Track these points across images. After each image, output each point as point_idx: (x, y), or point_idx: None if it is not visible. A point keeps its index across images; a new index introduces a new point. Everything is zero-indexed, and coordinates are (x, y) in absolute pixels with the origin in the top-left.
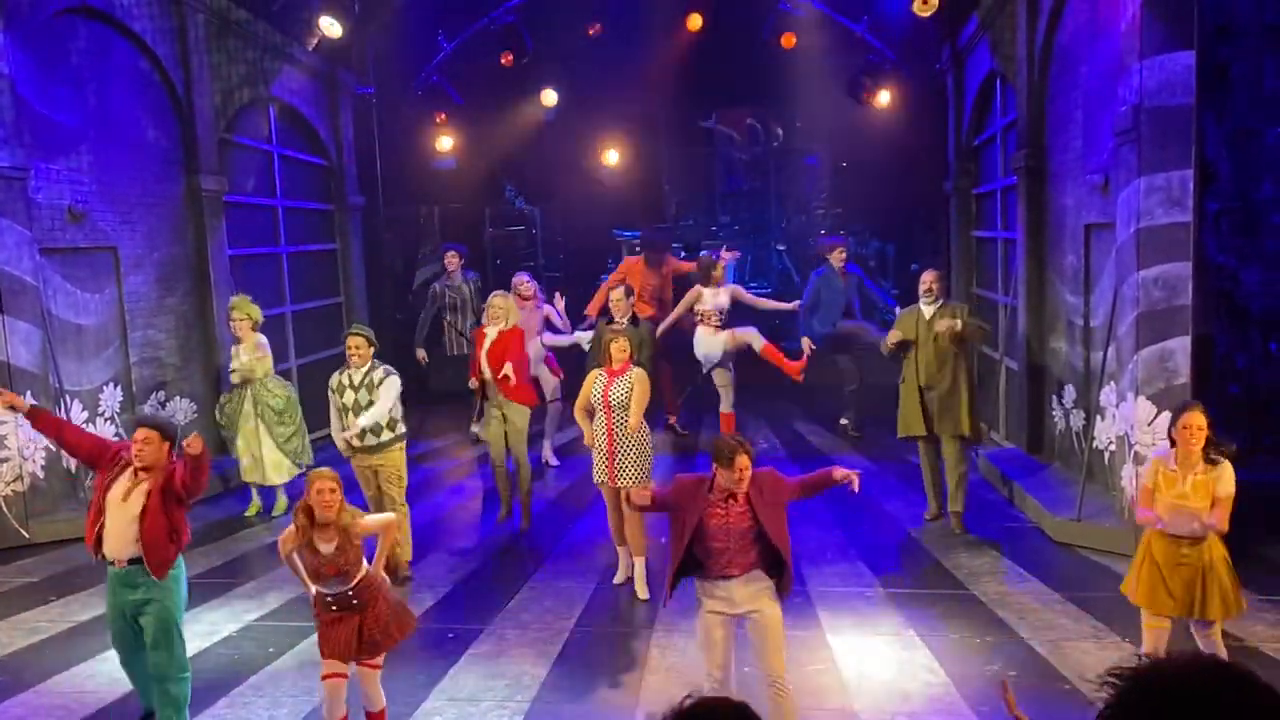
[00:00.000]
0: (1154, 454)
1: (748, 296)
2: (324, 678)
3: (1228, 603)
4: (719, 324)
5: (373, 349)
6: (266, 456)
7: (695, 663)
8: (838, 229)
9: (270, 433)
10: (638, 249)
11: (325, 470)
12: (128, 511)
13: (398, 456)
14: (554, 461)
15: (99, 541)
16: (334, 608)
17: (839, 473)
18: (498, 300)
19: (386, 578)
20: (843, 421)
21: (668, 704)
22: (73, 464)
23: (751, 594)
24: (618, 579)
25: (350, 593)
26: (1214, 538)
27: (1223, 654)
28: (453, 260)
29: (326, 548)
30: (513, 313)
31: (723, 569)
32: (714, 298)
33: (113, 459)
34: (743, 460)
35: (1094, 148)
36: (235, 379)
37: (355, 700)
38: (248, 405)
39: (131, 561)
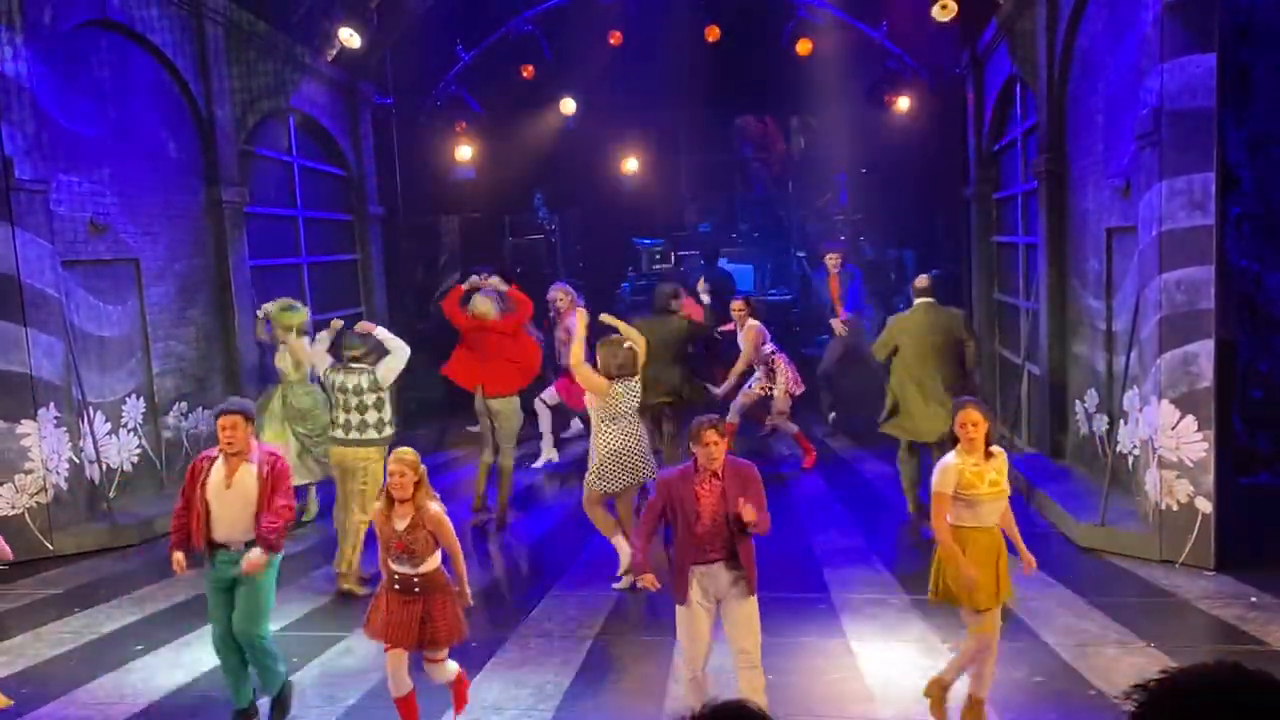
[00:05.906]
0: (941, 463)
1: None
2: (387, 650)
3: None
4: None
5: None
6: (290, 458)
7: (720, 671)
8: (858, 235)
9: (293, 433)
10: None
11: (402, 453)
12: (236, 496)
13: (379, 456)
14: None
15: (208, 531)
16: (397, 587)
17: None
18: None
19: (457, 588)
20: (832, 415)
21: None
22: (95, 476)
23: (730, 580)
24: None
25: (415, 579)
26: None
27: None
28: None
29: (400, 523)
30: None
31: (708, 553)
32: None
33: (194, 471)
34: (710, 434)
35: (1115, 151)
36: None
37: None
38: (275, 404)
39: (248, 544)
